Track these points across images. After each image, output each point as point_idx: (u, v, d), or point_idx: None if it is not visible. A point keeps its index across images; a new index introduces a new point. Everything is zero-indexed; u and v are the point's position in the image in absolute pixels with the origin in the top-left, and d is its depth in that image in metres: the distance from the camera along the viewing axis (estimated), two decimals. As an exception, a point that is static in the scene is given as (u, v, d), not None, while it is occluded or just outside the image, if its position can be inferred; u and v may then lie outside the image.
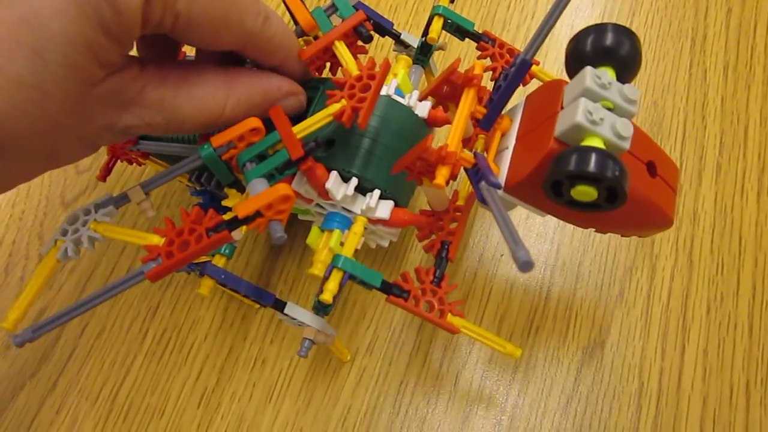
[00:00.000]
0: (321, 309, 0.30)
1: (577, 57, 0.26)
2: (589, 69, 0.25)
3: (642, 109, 0.42)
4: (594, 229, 0.30)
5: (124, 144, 0.34)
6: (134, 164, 0.37)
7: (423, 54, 0.36)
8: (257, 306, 0.37)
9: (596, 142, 0.24)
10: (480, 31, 0.34)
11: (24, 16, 0.19)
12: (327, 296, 0.26)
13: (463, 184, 0.33)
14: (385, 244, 0.33)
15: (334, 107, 0.27)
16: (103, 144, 0.24)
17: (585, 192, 0.23)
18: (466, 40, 0.35)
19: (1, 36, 0.19)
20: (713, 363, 0.36)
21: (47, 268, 0.27)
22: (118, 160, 0.37)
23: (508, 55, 0.34)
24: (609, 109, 0.25)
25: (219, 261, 0.30)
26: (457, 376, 0.36)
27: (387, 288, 0.28)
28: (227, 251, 0.32)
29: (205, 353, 0.37)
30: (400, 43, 0.37)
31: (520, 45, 0.45)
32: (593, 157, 0.22)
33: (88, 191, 0.42)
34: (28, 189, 0.43)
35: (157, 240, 0.25)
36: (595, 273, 0.38)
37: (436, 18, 0.33)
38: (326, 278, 0.27)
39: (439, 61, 0.44)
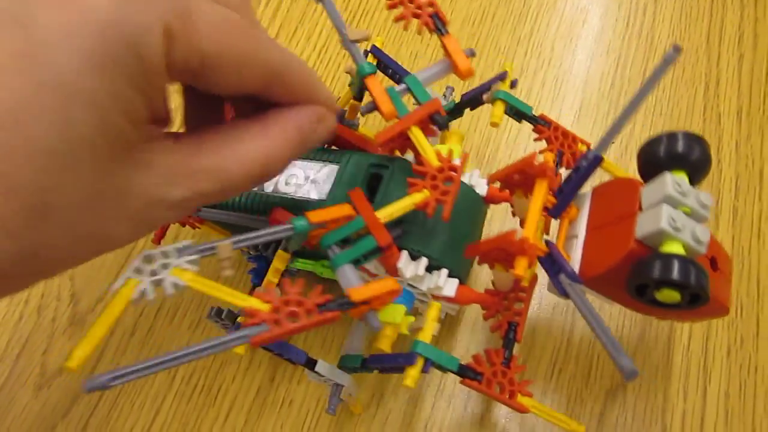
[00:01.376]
0: (349, 369, 0.31)
1: (652, 161, 0.28)
2: (669, 176, 0.27)
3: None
4: (655, 317, 0.31)
5: None
6: (187, 226, 0.38)
7: (452, 116, 0.38)
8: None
9: (676, 247, 0.25)
10: (537, 114, 0.35)
11: (45, 79, 0.18)
12: (410, 382, 0.28)
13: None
14: (442, 316, 0.34)
15: (418, 197, 0.28)
16: (160, 223, 0.23)
17: (669, 295, 0.25)
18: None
19: (27, 102, 0.18)
20: (735, 405, 0.36)
21: (118, 308, 0.24)
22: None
23: (562, 137, 0.35)
24: (686, 214, 0.26)
25: None
26: (482, 417, 0.36)
27: (463, 372, 0.29)
28: None
29: (234, 394, 0.38)
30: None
31: (537, 90, 0.47)
32: (677, 265, 0.24)
33: (119, 233, 0.43)
34: (60, 231, 0.44)
35: (259, 305, 0.25)
36: (615, 316, 0.39)
37: (498, 102, 0.34)
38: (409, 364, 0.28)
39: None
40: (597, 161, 0.30)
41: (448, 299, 0.31)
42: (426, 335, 0.29)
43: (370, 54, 0.35)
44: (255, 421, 0.37)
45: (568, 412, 0.36)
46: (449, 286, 0.31)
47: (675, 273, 0.24)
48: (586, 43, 0.48)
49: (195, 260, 0.26)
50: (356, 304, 0.25)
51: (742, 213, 0.41)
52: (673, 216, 0.25)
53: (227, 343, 0.24)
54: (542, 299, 0.39)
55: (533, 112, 0.34)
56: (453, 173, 0.28)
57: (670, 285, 0.25)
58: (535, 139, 0.35)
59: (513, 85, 0.35)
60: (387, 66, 0.36)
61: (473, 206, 0.33)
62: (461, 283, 0.31)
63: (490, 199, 0.34)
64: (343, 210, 0.27)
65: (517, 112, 0.34)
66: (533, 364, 0.38)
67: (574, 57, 0.48)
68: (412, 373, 0.28)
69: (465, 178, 0.33)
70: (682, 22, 0.49)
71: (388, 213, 0.28)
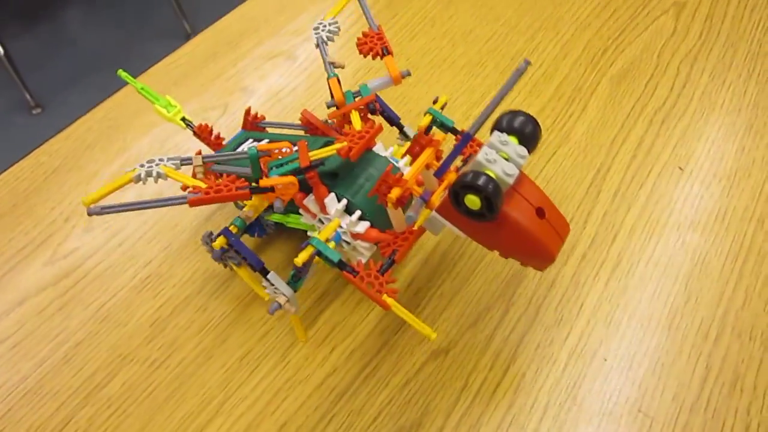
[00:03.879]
0: (293, 283, 0.44)
1: (498, 127, 0.39)
2: (495, 132, 0.38)
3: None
4: (498, 253, 0.40)
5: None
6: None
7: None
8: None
9: (490, 173, 0.36)
10: (455, 127, 0.48)
11: None
12: (299, 261, 0.40)
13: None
14: (364, 260, 0.46)
15: (338, 144, 0.42)
16: None
17: (472, 200, 0.35)
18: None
19: None
20: (527, 379, 0.45)
21: (124, 180, 0.40)
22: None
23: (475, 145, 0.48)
24: (505, 159, 0.37)
25: (234, 229, 0.45)
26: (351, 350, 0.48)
27: (342, 266, 0.41)
28: (238, 223, 0.46)
29: (164, 295, 0.52)
30: (403, 134, 0.53)
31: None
32: (472, 174, 0.35)
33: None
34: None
35: (200, 184, 0.39)
36: (462, 306, 0.49)
37: (427, 116, 0.47)
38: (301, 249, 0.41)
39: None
40: (468, 138, 0.41)
41: (359, 235, 0.44)
42: (323, 235, 0.41)
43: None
44: (179, 313, 0.50)
45: (398, 359, 0.47)
46: (360, 226, 0.44)
47: (472, 179, 0.34)
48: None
49: (177, 164, 0.41)
50: (263, 189, 0.39)
51: (592, 254, 0.52)
52: (487, 153, 0.36)
53: (172, 201, 0.39)
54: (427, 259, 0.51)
55: (453, 125, 0.48)
56: (366, 133, 0.42)
57: (471, 189, 0.34)
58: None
59: (442, 107, 0.48)
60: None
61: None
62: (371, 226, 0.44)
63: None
64: (281, 144, 0.43)
65: (442, 124, 0.47)
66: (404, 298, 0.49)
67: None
68: (302, 255, 0.40)
69: (384, 153, 0.47)
70: (600, 123, 0.62)
71: (315, 153, 0.42)
